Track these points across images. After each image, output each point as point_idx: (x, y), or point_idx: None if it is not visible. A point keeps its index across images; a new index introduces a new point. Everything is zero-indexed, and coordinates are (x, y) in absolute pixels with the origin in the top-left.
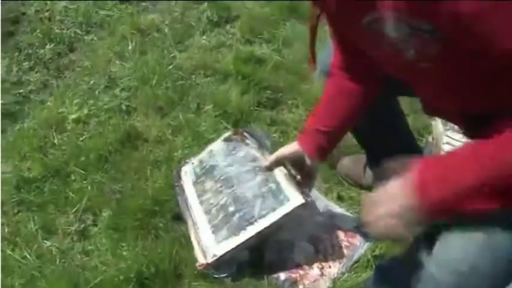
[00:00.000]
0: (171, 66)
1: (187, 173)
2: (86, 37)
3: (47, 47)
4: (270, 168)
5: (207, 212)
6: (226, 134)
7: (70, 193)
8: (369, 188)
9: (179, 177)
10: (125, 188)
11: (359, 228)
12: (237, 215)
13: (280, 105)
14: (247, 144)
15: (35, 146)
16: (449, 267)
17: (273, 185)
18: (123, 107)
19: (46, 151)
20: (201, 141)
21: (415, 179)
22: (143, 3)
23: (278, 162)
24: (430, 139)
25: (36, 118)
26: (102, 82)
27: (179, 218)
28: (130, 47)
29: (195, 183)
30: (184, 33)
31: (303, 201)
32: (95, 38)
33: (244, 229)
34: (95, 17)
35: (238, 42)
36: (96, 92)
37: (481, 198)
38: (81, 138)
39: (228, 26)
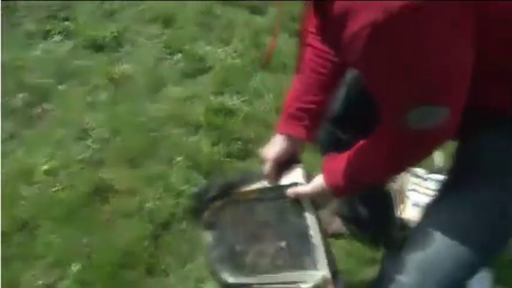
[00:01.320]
0: (143, 118)
1: None
2: (59, 86)
3: (18, 96)
4: (272, 179)
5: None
6: None
7: (38, 247)
8: (336, 235)
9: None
10: (94, 241)
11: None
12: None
13: (250, 156)
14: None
15: (2, 197)
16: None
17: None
18: (95, 158)
19: (14, 203)
20: (172, 193)
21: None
22: (117, 53)
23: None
24: (395, 186)
25: (5, 169)
26: (73, 133)
27: (151, 271)
28: (103, 98)
29: None
30: (157, 83)
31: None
32: (68, 88)
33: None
34: (68, 67)
35: (210, 94)
36: (68, 143)
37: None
38: (50, 190)
39: (200, 77)
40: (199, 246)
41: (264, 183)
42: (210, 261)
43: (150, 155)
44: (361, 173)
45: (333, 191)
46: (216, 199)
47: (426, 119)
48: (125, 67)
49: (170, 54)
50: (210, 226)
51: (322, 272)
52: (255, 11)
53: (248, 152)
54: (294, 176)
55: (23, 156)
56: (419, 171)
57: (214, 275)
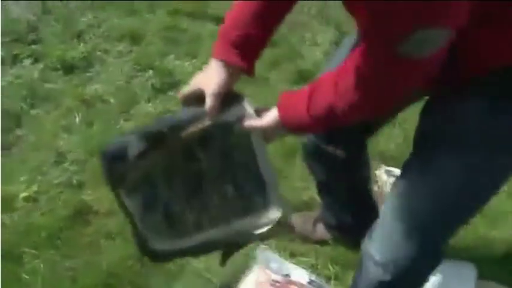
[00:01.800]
0: None
1: None
2: (31, 111)
3: None
4: (214, 114)
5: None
6: None
7: (23, 274)
8: (320, 242)
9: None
10: (78, 264)
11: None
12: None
13: None
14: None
15: None
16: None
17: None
18: (73, 181)
19: None
20: None
21: (279, 109)
22: (87, 74)
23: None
24: (375, 188)
25: None
26: (50, 157)
27: None
28: (76, 120)
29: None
30: (130, 101)
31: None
32: (41, 112)
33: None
34: (40, 90)
35: None
36: (45, 167)
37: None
38: (31, 216)
39: (171, 92)
40: (187, 263)
41: (203, 123)
42: (137, 235)
43: None
44: (325, 109)
45: (291, 128)
46: (143, 155)
47: (424, 46)
48: (96, 87)
49: (140, 71)
50: (135, 189)
51: (275, 212)
52: (221, 22)
53: None
54: (242, 108)
55: (1, 186)
56: (398, 171)
57: (144, 247)
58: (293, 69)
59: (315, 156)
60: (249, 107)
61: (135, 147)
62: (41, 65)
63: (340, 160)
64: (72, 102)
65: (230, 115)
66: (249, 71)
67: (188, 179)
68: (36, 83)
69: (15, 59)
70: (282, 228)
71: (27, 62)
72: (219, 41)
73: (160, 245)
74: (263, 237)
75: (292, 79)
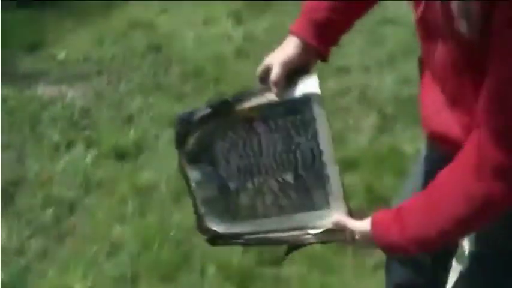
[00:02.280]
0: (171, 228)
1: None
2: (85, 199)
3: (47, 211)
4: (280, 87)
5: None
6: None
7: None
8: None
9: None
10: None
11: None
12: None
13: (283, 262)
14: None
15: None
16: None
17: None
18: (128, 274)
19: None
20: None
21: (374, 225)
22: (139, 161)
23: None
24: None
25: None
26: (104, 248)
27: None
28: (129, 209)
29: None
30: (181, 190)
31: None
32: (94, 200)
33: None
34: (93, 177)
35: None
36: (99, 259)
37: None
38: None
39: None
40: None
41: (268, 98)
42: (196, 207)
43: (181, 268)
44: (428, 228)
45: (385, 249)
46: (207, 120)
47: None
48: (148, 175)
49: None
50: (195, 158)
51: (336, 211)
52: None
53: (280, 257)
54: (309, 85)
55: (55, 277)
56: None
57: (201, 225)
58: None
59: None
60: (315, 84)
61: (200, 112)
62: (94, 151)
63: (427, 265)
64: (125, 190)
65: (296, 91)
66: (324, 54)
67: (246, 154)
68: (89, 170)
69: (69, 145)
70: (340, 233)
71: (80, 147)
72: (300, 19)
73: (215, 224)
74: (320, 240)
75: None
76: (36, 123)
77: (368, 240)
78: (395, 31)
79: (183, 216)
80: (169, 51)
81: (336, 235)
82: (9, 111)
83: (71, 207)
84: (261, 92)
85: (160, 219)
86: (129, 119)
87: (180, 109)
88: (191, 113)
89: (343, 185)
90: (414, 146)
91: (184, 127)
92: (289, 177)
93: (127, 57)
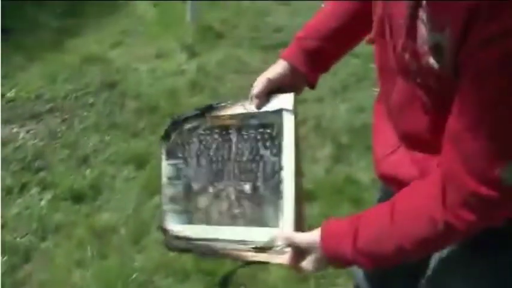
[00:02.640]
0: (133, 271)
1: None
2: (41, 244)
3: (1, 260)
4: (259, 99)
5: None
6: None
7: None
8: None
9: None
10: None
11: None
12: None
13: None
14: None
15: None
16: None
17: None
18: None
19: None
20: None
21: (324, 235)
22: (97, 202)
23: (267, 90)
24: None
25: None
26: None
27: None
28: (89, 253)
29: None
30: (140, 230)
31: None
32: (51, 245)
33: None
34: (49, 221)
35: None
36: None
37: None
38: None
39: None
40: None
41: (247, 109)
42: (162, 200)
43: None
44: (384, 244)
45: (332, 261)
46: (191, 121)
47: None
48: (106, 217)
49: (149, 196)
50: (173, 153)
51: (284, 229)
52: None
53: None
54: (284, 100)
55: None
56: None
57: (161, 223)
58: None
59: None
60: (290, 100)
61: (188, 113)
62: (49, 194)
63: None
64: (83, 233)
65: (271, 106)
66: (312, 80)
67: (216, 159)
68: (44, 214)
69: (22, 188)
70: (276, 254)
71: (35, 191)
72: (291, 46)
73: (172, 224)
74: (261, 259)
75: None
76: None
77: (317, 254)
78: (347, 60)
79: (144, 258)
80: (124, 86)
81: (278, 254)
82: None
83: (26, 255)
84: (243, 102)
85: (121, 261)
86: (85, 159)
87: (136, 146)
88: (182, 115)
89: (299, 204)
90: (369, 174)
91: (172, 125)
92: (247, 188)
93: (80, 94)
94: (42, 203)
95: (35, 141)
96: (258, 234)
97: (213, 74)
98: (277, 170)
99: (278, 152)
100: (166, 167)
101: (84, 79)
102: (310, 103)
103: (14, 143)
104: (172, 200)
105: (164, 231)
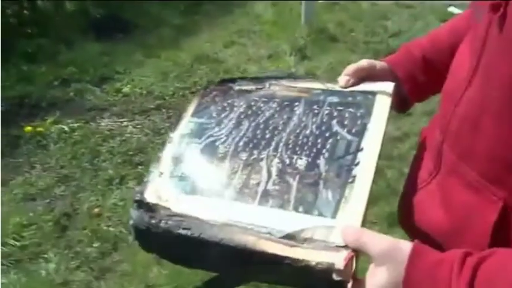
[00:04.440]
0: (204, 275)
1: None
2: (130, 237)
3: (94, 245)
4: (347, 78)
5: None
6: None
7: None
8: None
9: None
10: None
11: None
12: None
13: None
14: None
15: None
16: None
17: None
18: None
19: None
20: None
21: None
22: None
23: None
24: None
25: None
26: None
27: None
28: None
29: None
30: None
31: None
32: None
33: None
34: None
35: None
36: None
37: None
38: None
39: None
40: None
41: (327, 86)
42: (157, 162)
43: None
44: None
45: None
46: (241, 82)
47: None
48: None
49: None
50: (202, 112)
51: (343, 224)
52: None
53: None
54: (381, 85)
55: None
56: None
57: (141, 193)
58: (388, 210)
59: None
60: (390, 88)
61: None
62: None
63: None
64: None
65: (363, 87)
66: (411, 94)
67: (264, 126)
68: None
69: (121, 181)
70: (319, 251)
71: (131, 184)
72: (400, 49)
73: (163, 193)
74: (296, 263)
75: (387, 221)
76: (95, 156)
77: (392, 269)
78: None
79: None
80: None
81: (323, 251)
82: (73, 143)
83: (115, 244)
84: (323, 80)
85: None
86: None
87: None
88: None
89: (370, 196)
90: None
91: (218, 83)
92: (301, 162)
93: (187, 93)
94: None
95: (140, 135)
96: (299, 222)
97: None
98: (354, 150)
99: (359, 132)
100: (186, 124)
101: (193, 78)
102: (416, 117)
103: (121, 136)
104: (176, 160)
105: (142, 204)
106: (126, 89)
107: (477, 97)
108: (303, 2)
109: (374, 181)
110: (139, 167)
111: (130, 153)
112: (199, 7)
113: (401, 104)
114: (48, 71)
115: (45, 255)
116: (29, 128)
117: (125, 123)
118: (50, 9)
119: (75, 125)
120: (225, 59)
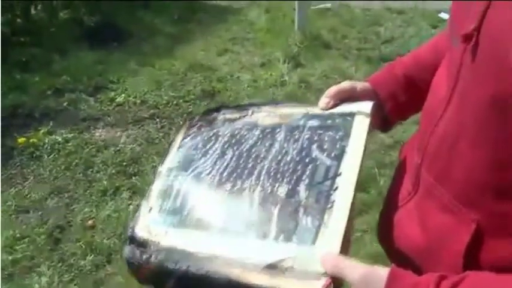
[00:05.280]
0: None
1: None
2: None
3: (87, 258)
4: (327, 100)
5: None
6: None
7: None
8: None
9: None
10: None
11: None
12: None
13: None
14: (223, 122)
15: None
16: None
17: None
18: None
19: None
20: None
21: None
22: None
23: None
24: None
25: None
26: None
27: None
28: None
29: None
30: None
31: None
32: None
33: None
34: None
35: None
36: None
37: None
38: None
39: None
40: None
41: (308, 110)
42: (146, 196)
43: None
44: None
45: None
46: (226, 110)
47: None
48: None
49: None
50: (190, 142)
51: (323, 250)
52: None
53: None
54: (360, 105)
55: None
56: None
57: (132, 229)
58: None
59: None
60: (368, 107)
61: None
62: (137, 201)
63: None
64: None
65: (342, 108)
66: (392, 115)
67: (247, 154)
68: (130, 220)
69: (115, 191)
70: (298, 280)
71: (125, 195)
72: (385, 67)
73: (153, 228)
74: None
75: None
76: (89, 167)
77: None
78: None
79: None
80: (223, 96)
81: (302, 280)
82: (67, 154)
83: (109, 256)
84: (304, 105)
85: None
86: None
87: None
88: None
89: (350, 221)
90: None
91: (203, 113)
92: (282, 190)
93: (181, 102)
94: (131, 207)
95: (134, 145)
96: (280, 251)
97: (314, 87)
98: (332, 175)
99: (338, 156)
100: (175, 155)
101: (186, 87)
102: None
103: (115, 146)
104: (164, 194)
105: (134, 240)
106: (120, 99)
107: (454, 120)
108: (297, 8)
109: (368, 190)
110: (134, 177)
111: (124, 163)
112: (193, 15)
113: (383, 123)
114: (41, 81)
115: (38, 269)
116: (22, 139)
117: (119, 133)
118: (44, 18)
119: (69, 135)
120: (218, 67)
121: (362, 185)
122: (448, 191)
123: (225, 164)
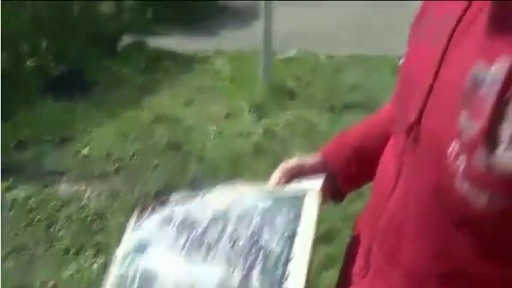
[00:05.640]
0: None
1: None
2: None
3: None
4: (277, 181)
5: None
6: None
7: None
8: None
9: None
10: None
11: None
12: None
13: None
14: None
15: None
16: None
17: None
18: None
19: None
20: None
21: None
22: None
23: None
24: None
25: None
26: None
27: None
28: None
29: None
30: None
31: None
32: None
33: None
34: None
35: None
36: None
37: None
38: None
39: None
40: None
41: (261, 189)
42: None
43: None
44: None
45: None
46: (178, 195)
47: None
48: None
49: None
50: (143, 226)
51: None
52: None
53: None
54: (310, 183)
55: None
56: None
57: None
58: None
59: None
60: (318, 184)
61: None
62: (101, 260)
63: None
64: None
65: (289, 188)
66: (344, 186)
67: (200, 237)
68: (94, 280)
69: (78, 251)
70: None
71: (89, 254)
72: (332, 140)
73: None
74: None
75: None
76: (52, 224)
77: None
78: None
79: None
80: (189, 148)
81: None
82: (29, 210)
83: None
84: (255, 183)
85: None
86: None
87: None
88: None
89: None
90: None
91: (155, 196)
92: (235, 279)
93: (147, 154)
94: (94, 266)
95: (98, 201)
96: None
97: (280, 138)
98: (284, 261)
99: (290, 237)
100: (129, 239)
101: (152, 139)
102: None
103: (78, 202)
104: (122, 279)
105: None
106: (84, 151)
107: (401, 202)
108: (262, 58)
109: (332, 243)
110: (97, 235)
111: (89, 219)
112: (159, 64)
113: (336, 194)
114: (3, 133)
115: None
116: None
117: (83, 188)
118: (9, 66)
119: (31, 190)
120: (184, 117)
121: (326, 237)
122: (397, 273)
123: (179, 248)
